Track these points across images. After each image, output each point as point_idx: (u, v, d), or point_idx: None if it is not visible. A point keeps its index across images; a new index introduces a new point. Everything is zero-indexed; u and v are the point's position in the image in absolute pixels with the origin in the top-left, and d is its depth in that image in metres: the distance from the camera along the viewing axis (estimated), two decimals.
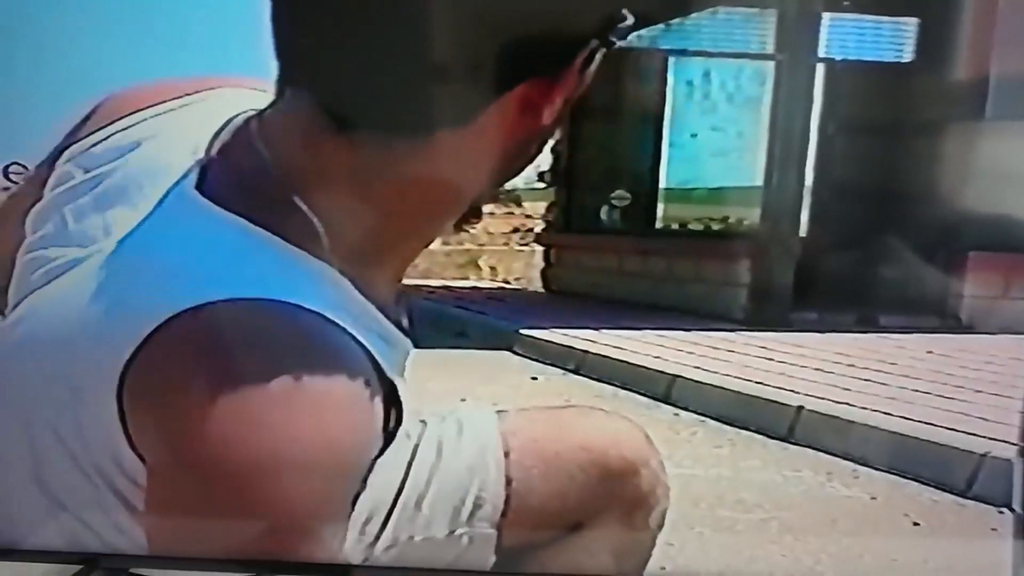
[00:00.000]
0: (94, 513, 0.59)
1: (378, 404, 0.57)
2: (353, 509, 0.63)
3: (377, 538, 0.82)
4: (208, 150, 0.62)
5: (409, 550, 0.82)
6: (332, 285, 0.58)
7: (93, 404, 0.55)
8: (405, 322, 0.70)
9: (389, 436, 0.61)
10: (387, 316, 0.62)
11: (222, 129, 0.63)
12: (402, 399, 0.61)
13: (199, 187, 0.59)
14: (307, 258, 0.57)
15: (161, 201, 0.60)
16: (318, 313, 0.54)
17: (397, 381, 0.60)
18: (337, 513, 0.57)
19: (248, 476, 0.52)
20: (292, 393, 0.52)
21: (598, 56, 0.59)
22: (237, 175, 0.60)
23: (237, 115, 0.64)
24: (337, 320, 0.55)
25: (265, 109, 0.62)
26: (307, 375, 0.53)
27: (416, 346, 0.72)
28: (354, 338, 0.56)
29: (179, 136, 0.64)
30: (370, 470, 0.61)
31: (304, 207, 0.58)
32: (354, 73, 0.55)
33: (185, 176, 0.60)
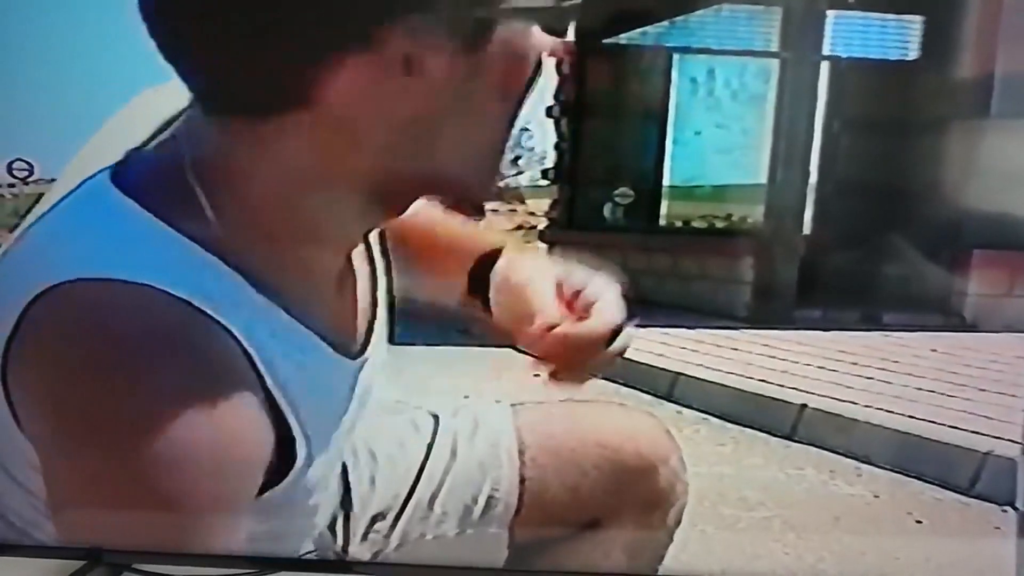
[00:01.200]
0: (17, 506, 0.60)
1: (243, 403, 0.54)
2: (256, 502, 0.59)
3: (388, 536, 0.81)
4: (143, 142, 0.61)
5: (420, 548, 0.81)
6: (222, 280, 0.56)
7: None
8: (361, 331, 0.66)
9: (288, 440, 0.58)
10: (308, 321, 0.60)
11: (166, 124, 0.62)
12: (285, 408, 0.58)
13: (116, 177, 0.58)
14: (198, 251, 0.55)
15: (75, 189, 0.59)
16: (186, 302, 0.53)
17: (290, 387, 0.57)
18: (197, 503, 0.54)
19: (102, 461, 0.52)
20: (142, 377, 0.51)
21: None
22: (147, 167, 0.59)
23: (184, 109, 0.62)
24: (215, 314, 0.54)
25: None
26: (159, 360, 0.52)
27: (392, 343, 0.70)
28: (232, 335, 0.54)
29: (120, 131, 0.63)
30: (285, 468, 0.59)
31: (202, 200, 0.56)
32: (217, 59, 0.54)
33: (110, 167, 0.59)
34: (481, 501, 0.83)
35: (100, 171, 0.59)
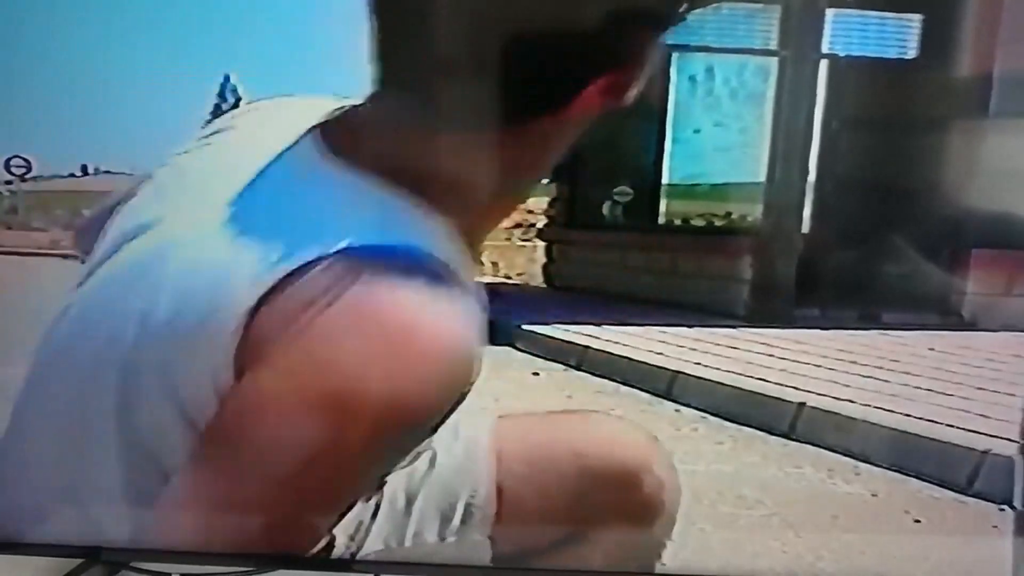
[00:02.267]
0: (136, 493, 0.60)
1: (480, 352, 0.63)
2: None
3: (364, 539, 0.81)
4: (328, 118, 0.67)
5: (400, 555, 0.81)
6: (450, 241, 0.63)
7: (200, 352, 0.58)
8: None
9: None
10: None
11: (337, 109, 0.69)
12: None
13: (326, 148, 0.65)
14: (433, 215, 0.63)
15: (279, 160, 0.65)
16: (446, 263, 0.60)
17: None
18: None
19: (374, 408, 0.56)
20: (430, 337, 0.58)
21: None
22: (364, 142, 0.65)
23: (349, 103, 0.69)
24: (459, 272, 0.62)
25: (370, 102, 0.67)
26: (445, 318, 0.59)
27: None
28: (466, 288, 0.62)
29: (283, 117, 0.69)
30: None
31: (430, 181, 0.63)
32: (456, 72, 0.61)
33: (302, 138, 0.66)
34: (459, 508, 0.83)
35: (302, 139, 0.65)
